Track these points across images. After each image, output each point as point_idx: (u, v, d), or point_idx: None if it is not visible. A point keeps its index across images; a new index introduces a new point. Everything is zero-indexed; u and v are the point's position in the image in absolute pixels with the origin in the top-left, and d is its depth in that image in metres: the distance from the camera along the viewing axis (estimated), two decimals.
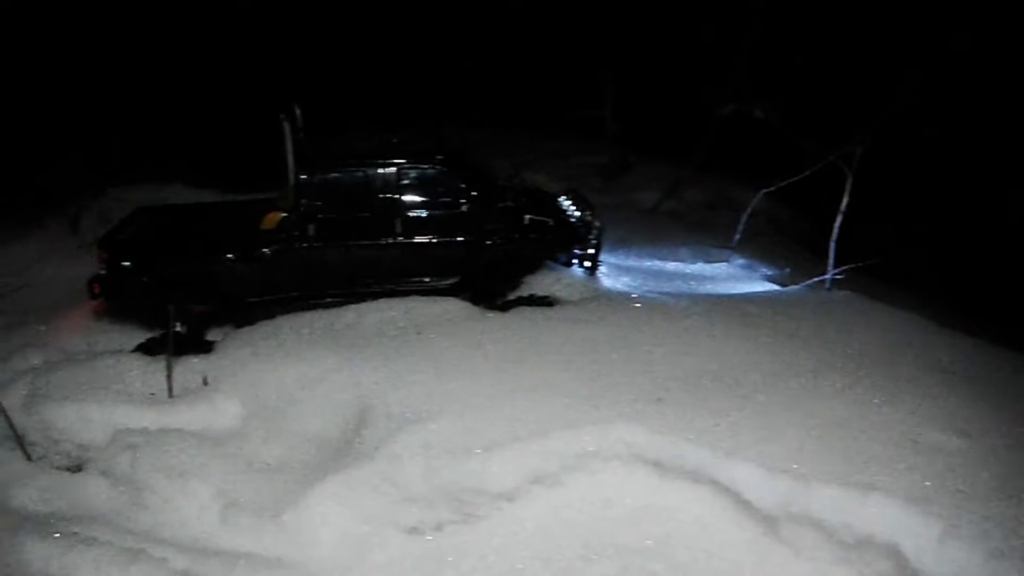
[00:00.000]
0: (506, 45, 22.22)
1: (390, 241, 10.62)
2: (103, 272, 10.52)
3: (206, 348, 9.81)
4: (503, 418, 7.70)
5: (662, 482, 7.25)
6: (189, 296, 10.53)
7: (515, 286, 11.04)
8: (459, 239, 10.75)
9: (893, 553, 6.35)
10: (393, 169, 10.67)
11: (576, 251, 11.43)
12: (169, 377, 8.84)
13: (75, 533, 7.10)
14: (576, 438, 7.35)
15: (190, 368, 9.17)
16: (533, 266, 11.18)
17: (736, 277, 12.57)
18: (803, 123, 12.59)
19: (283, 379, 8.87)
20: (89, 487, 8.12)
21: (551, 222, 11.24)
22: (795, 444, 7.20)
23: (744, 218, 13.97)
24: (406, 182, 10.70)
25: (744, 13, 16.24)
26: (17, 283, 11.61)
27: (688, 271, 12.69)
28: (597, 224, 11.93)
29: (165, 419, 8.57)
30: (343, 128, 13.71)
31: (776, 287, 12.07)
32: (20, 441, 8.42)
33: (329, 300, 10.64)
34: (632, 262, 12.70)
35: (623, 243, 13.60)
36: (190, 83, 19.44)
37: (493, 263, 10.89)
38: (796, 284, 11.98)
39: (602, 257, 11.98)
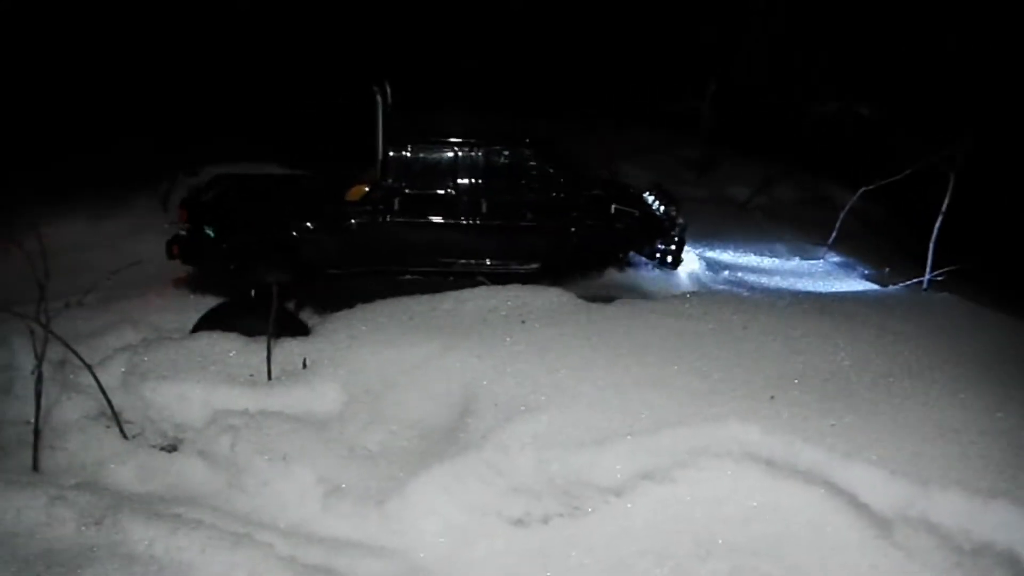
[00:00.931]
0: (601, 36, 22.13)
1: (474, 222, 10.64)
2: (183, 233, 10.50)
3: (299, 328, 9.85)
4: (614, 412, 7.56)
5: (774, 481, 7.08)
6: (269, 264, 10.50)
7: (600, 275, 10.96)
8: (544, 225, 10.67)
9: (1012, 561, 6.18)
10: (482, 150, 10.63)
11: (660, 244, 11.31)
12: (269, 359, 8.77)
13: (178, 515, 7.02)
14: (690, 434, 7.23)
15: (288, 350, 9.08)
16: (617, 257, 11.09)
17: (833, 275, 12.43)
18: (906, 122, 12.44)
19: (383, 364, 8.78)
20: (186, 468, 8.08)
21: (637, 213, 11.12)
22: (913, 447, 7.02)
23: (842, 215, 13.80)
24: (494, 164, 10.72)
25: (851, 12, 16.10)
26: (123, 262, 11.55)
27: (785, 267, 12.55)
28: (681, 220, 11.84)
29: (265, 401, 8.49)
30: (432, 107, 13.66)
31: (875, 286, 11.90)
32: (117, 419, 8.36)
33: (408, 277, 10.58)
34: (728, 256, 12.58)
35: (718, 237, 13.49)
36: (258, 63, 19.53)
37: (577, 251, 10.80)
38: (894, 284, 11.80)
39: (696, 250, 11.90)
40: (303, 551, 6.87)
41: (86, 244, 12.92)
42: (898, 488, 6.65)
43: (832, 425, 7.26)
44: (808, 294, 10.70)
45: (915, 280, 11.80)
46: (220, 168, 14.81)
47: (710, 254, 12.57)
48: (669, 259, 11.48)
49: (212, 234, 10.49)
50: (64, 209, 13.71)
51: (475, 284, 10.34)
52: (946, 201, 12.00)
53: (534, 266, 10.81)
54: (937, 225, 12.03)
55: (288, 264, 10.61)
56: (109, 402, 8.26)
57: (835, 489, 6.89)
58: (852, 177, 14.53)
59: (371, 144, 10.60)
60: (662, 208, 11.83)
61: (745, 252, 13.07)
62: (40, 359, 7.90)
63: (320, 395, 8.57)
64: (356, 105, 10.92)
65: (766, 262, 12.71)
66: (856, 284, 11.99)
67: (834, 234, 13.62)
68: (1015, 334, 9.84)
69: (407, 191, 10.62)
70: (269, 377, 8.80)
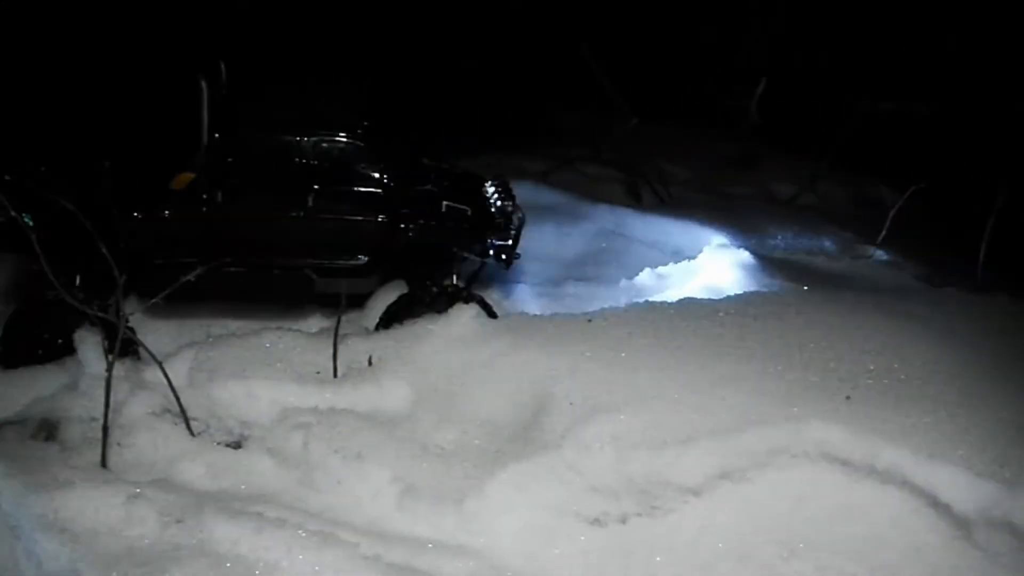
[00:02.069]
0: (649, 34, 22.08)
1: (299, 214, 10.35)
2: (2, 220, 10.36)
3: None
4: (693, 411, 7.56)
5: (853, 482, 7.09)
6: (89, 254, 10.39)
7: (433, 274, 10.81)
8: (370, 220, 10.45)
9: None
10: (310, 139, 10.44)
11: (493, 241, 11.14)
12: (335, 356, 8.78)
13: (260, 513, 7.04)
14: (770, 434, 7.23)
15: (353, 348, 9.10)
16: (450, 253, 10.90)
17: (883, 274, 12.41)
18: (962, 121, 12.40)
19: (450, 361, 8.82)
20: (255, 465, 8.10)
21: (468, 211, 10.99)
22: (994, 448, 7.03)
23: (892, 214, 13.76)
24: (322, 155, 10.47)
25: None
26: None
27: (835, 266, 12.52)
28: (519, 215, 11.67)
29: (333, 399, 8.51)
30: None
31: (927, 285, 11.88)
32: (185, 416, 8.40)
33: (232, 271, 10.36)
34: (777, 255, 12.56)
35: (766, 234, 13.46)
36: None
37: (405, 248, 10.62)
38: (948, 284, 11.77)
39: (745, 248, 11.83)
40: (386, 550, 6.87)
41: None
42: (982, 489, 6.66)
43: (913, 425, 7.25)
44: (864, 293, 10.65)
45: (969, 281, 11.78)
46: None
47: (758, 252, 12.49)
48: (503, 256, 11.28)
49: (30, 223, 10.24)
50: None
51: (301, 279, 10.46)
52: (999, 200, 11.98)
53: (360, 262, 10.56)
54: (989, 225, 12.00)
55: (111, 254, 10.37)
56: (178, 398, 8.30)
57: (916, 490, 6.89)
58: (901, 176, 14.49)
59: (197, 131, 10.46)
60: (499, 203, 11.63)
61: (793, 250, 13.03)
62: (113, 355, 7.93)
63: (388, 393, 8.59)
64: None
65: (815, 260, 12.68)
66: (908, 284, 11.97)
67: (883, 233, 13.57)
68: None
69: (232, 181, 10.34)
70: (335, 375, 8.79)
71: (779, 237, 13.57)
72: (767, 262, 12.05)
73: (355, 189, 10.58)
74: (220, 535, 6.78)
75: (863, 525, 6.95)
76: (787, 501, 7.11)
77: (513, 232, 11.35)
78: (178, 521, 6.96)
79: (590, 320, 9.15)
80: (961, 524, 6.73)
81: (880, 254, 13.29)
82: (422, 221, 10.74)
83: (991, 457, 6.91)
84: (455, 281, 10.86)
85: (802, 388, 7.84)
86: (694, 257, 13.01)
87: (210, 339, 9.47)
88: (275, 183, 10.56)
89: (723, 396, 7.72)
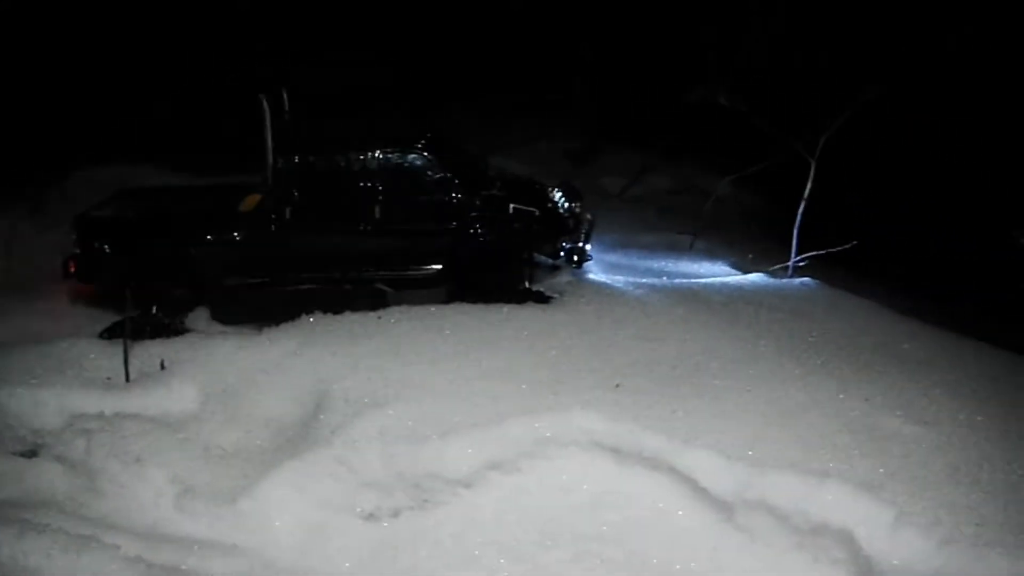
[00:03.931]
0: (482, 26, 22.09)
1: (368, 228, 10.53)
2: (77, 251, 10.45)
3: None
4: (461, 403, 7.68)
5: (620, 469, 7.24)
6: (165, 278, 10.48)
7: (504, 278, 10.92)
8: (439, 228, 10.62)
9: (847, 539, 6.39)
10: (374, 155, 10.52)
11: (563, 243, 11.27)
12: (126, 361, 8.76)
13: (26, 520, 7.01)
14: (534, 424, 7.35)
15: (148, 352, 9.08)
16: (520, 257, 11.03)
17: (698, 264, 12.57)
18: (772, 111, 12.56)
19: (241, 363, 8.82)
20: (43, 473, 8.08)
21: (537, 212, 11.10)
22: (752, 431, 7.23)
23: (708, 205, 13.97)
24: (387, 169, 10.55)
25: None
26: None
27: (652, 258, 12.65)
28: (588, 216, 11.83)
29: (121, 404, 8.46)
30: (335, 113, 13.55)
31: (738, 273, 12.06)
32: None
33: (307, 287, 10.57)
34: (596, 248, 12.63)
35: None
36: (162, 62, 19.16)
37: (475, 253, 10.75)
38: (759, 271, 11.97)
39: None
40: (153, 551, 6.89)
41: None
42: (735, 472, 6.84)
43: (674, 412, 7.42)
44: (667, 284, 10.82)
45: (779, 266, 11.98)
46: (98, 173, 14.69)
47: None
48: (575, 258, 11.40)
49: (108, 250, 10.38)
50: None
51: (374, 292, 10.58)
52: (808, 188, 12.18)
53: (433, 270, 10.69)
54: (800, 211, 12.20)
55: (186, 278, 10.53)
56: None
57: (677, 475, 7.04)
58: (726, 167, 14.71)
59: (262, 152, 10.55)
60: (567, 205, 11.75)
61: (612, 243, 13.13)
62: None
63: (178, 395, 8.56)
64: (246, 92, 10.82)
65: (633, 253, 12.80)
66: (720, 272, 12.14)
67: (701, 223, 13.75)
68: (871, 316, 10.10)
69: (300, 200, 10.55)
70: (127, 379, 8.77)
71: (603, 231, 13.63)
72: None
73: (422, 199, 10.75)
74: None
75: (626, 511, 7.10)
76: (553, 490, 7.24)
77: (583, 233, 11.54)
78: None
79: (379, 318, 9.22)
80: (722, 507, 6.90)
81: (697, 243, 13.45)
82: (488, 225, 10.91)
83: (745, 440, 7.10)
84: (526, 283, 10.99)
85: (573, 378, 8.00)
86: None
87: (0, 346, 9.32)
88: (342, 200, 10.71)
89: (493, 388, 7.86)
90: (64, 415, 8.38)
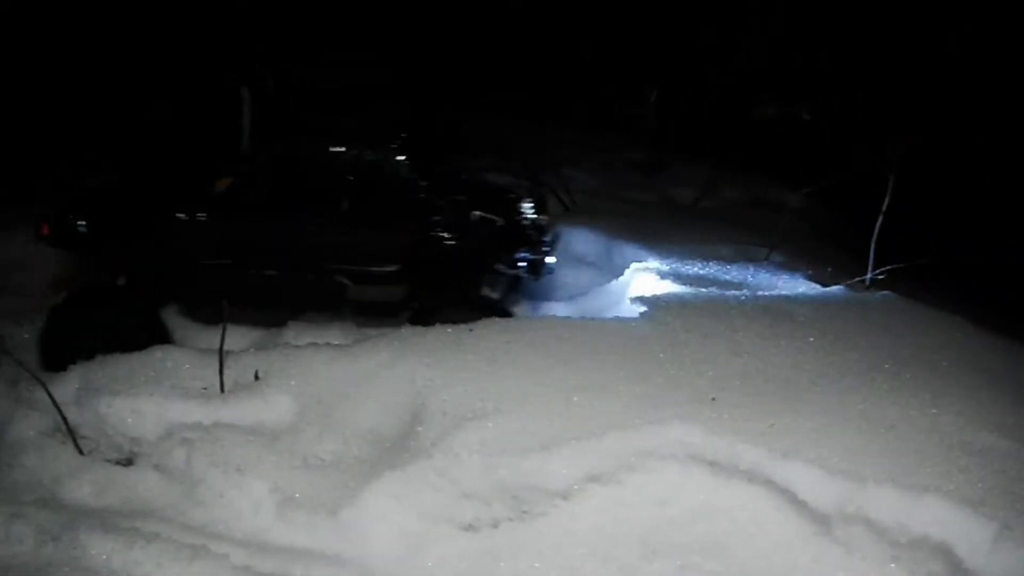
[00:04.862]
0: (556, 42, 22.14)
1: (333, 220, 10.66)
2: (52, 216, 10.66)
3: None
4: (559, 417, 7.76)
5: (717, 482, 7.25)
6: (134, 250, 10.59)
7: (459, 283, 11.04)
8: (400, 228, 10.65)
9: (946, 554, 6.39)
10: (345, 150, 10.69)
11: (523, 254, 11.32)
12: (221, 371, 8.88)
13: (135, 528, 7.14)
14: (633, 437, 7.42)
15: (241, 362, 9.20)
16: (482, 263, 11.06)
17: (777, 276, 12.56)
18: (847, 125, 12.59)
19: (335, 374, 8.89)
20: (142, 482, 8.17)
21: (500, 222, 11.18)
22: (848, 445, 7.24)
23: (785, 217, 13.96)
24: (357, 164, 10.70)
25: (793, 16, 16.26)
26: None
27: (730, 270, 12.65)
28: (554, 231, 11.86)
29: (218, 414, 8.58)
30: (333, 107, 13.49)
31: (818, 287, 12.06)
32: (72, 435, 8.45)
33: (268, 273, 10.79)
34: (673, 261, 12.66)
35: (664, 240, 13.56)
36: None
37: (434, 256, 10.77)
38: (837, 284, 11.97)
39: (642, 256, 11.95)
40: (259, 561, 7.01)
41: None
42: (835, 485, 6.87)
43: (771, 425, 7.46)
44: (751, 296, 10.82)
45: (857, 279, 11.97)
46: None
47: (654, 259, 12.60)
48: (532, 270, 11.44)
49: (84, 227, 10.46)
50: None
51: (335, 284, 10.76)
52: (886, 201, 12.17)
53: (392, 269, 10.73)
54: (878, 224, 12.19)
55: (159, 255, 10.62)
56: (63, 418, 8.35)
57: (775, 487, 7.08)
58: (797, 179, 14.69)
59: (238, 138, 10.64)
60: (532, 217, 11.81)
61: (690, 256, 13.12)
62: None
63: (272, 406, 8.65)
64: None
65: (711, 265, 12.81)
66: (799, 285, 12.14)
67: (777, 236, 13.75)
68: (952, 330, 10.07)
69: (270, 186, 10.75)
70: (222, 390, 8.88)
71: (676, 243, 13.65)
72: (660, 269, 12.15)
73: (388, 199, 10.82)
74: (94, 551, 6.87)
75: (725, 524, 7.12)
76: (652, 502, 7.27)
77: (545, 247, 11.56)
78: (54, 539, 7.03)
79: (471, 330, 9.30)
80: (819, 520, 6.92)
81: (774, 256, 13.44)
82: (448, 229, 10.95)
83: (842, 453, 7.12)
84: (488, 291, 11.27)
85: (669, 392, 8.05)
86: (594, 264, 13.27)
87: (98, 357, 9.42)
88: (311, 191, 10.83)
89: (591, 401, 7.92)
90: (162, 424, 8.50)
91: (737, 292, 11.14)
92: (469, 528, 7.46)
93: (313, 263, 10.83)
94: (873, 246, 12.19)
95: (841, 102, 13.79)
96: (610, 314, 10.26)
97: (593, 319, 9.78)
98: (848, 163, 13.05)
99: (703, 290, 11.11)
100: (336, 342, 9.92)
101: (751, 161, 17.71)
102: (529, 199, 11.89)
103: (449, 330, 9.36)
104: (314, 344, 9.56)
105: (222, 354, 8.94)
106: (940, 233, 14.31)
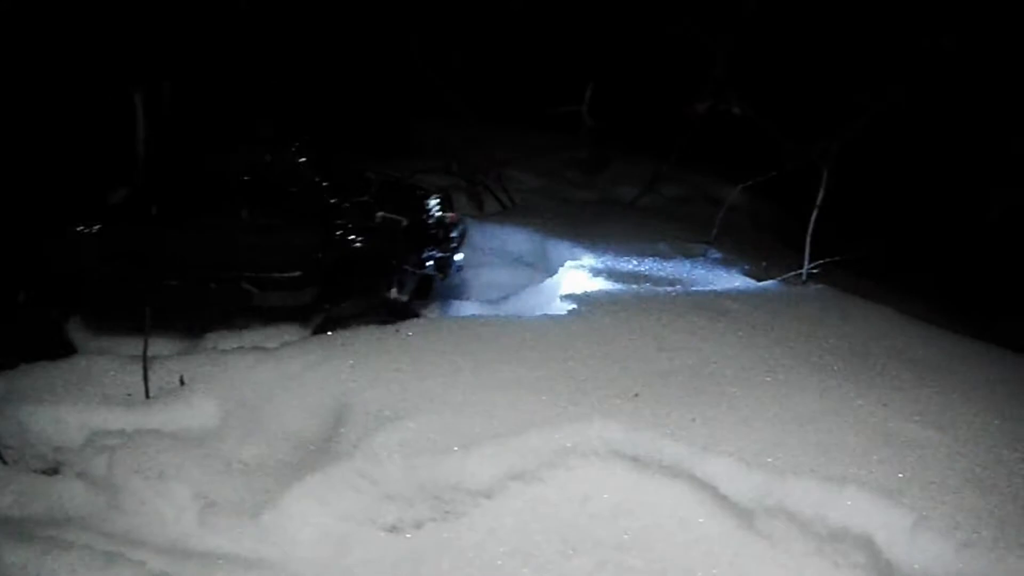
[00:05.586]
0: (489, 40, 22.07)
1: (234, 227, 10.49)
2: None
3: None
4: (480, 415, 7.73)
5: (640, 477, 7.25)
6: (30, 266, 10.44)
7: (365, 285, 10.98)
8: (303, 232, 10.57)
9: (867, 544, 6.36)
10: (245, 151, 10.65)
11: (431, 253, 11.33)
12: (145, 377, 8.82)
13: (51, 537, 7.06)
14: (555, 435, 7.37)
15: (167, 367, 9.14)
16: (388, 264, 10.97)
17: (713, 272, 12.58)
18: (784, 119, 12.60)
19: (260, 377, 8.85)
20: (66, 490, 8.06)
21: (404, 222, 11.06)
22: (770, 438, 7.24)
23: (721, 213, 13.98)
24: (256, 168, 10.61)
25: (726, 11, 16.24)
26: None
27: (667, 266, 12.64)
28: (461, 227, 11.84)
29: (141, 420, 8.52)
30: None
31: (753, 281, 12.08)
32: None
33: (173, 283, 10.55)
34: (609, 257, 12.65)
35: (604, 238, 13.54)
36: None
37: (339, 259, 10.67)
38: (773, 278, 12.00)
39: (577, 254, 11.93)
40: (178, 567, 6.94)
41: None
42: (755, 478, 6.83)
43: (693, 420, 7.45)
44: (683, 292, 10.84)
45: (793, 273, 12.00)
46: None
47: (589, 257, 12.59)
48: (440, 268, 11.44)
49: None
50: None
51: (240, 291, 10.56)
52: (820, 195, 12.22)
53: (296, 274, 10.54)
54: (812, 218, 12.23)
55: (49, 267, 10.46)
56: None
57: (697, 482, 7.06)
58: (738, 175, 14.70)
59: (132, 146, 10.51)
60: (439, 214, 11.84)
61: (626, 253, 13.10)
62: None
63: (197, 411, 8.60)
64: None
65: (647, 262, 12.81)
66: (734, 280, 12.16)
67: (715, 231, 13.77)
68: (886, 322, 10.14)
69: (168, 194, 10.56)
70: (147, 396, 8.82)
71: (615, 240, 13.62)
72: (596, 267, 12.14)
73: (290, 202, 10.68)
74: (9, 560, 6.78)
75: (646, 519, 7.12)
76: (573, 499, 7.27)
77: (452, 244, 11.57)
78: None
79: (397, 331, 9.27)
80: (741, 514, 6.90)
81: (712, 252, 13.46)
82: (353, 231, 10.80)
83: (763, 446, 7.12)
84: (396, 293, 10.95)
85: (591, 388, 8.03)
86: (530, 263, 13.26)
87: (21, 366, 9.35)
88: (210, 197, 10.62)
89: (512, 399, 7.90)
90: (85, 432, 8.43)
91: (670, 288, 11.15)
92: (392, 530, 7.43)
93: (215, 271, 10.63)
94: (808, 240, 12.21)
95: (774, 96, 13.77)
96: (540, 313, 10.16)
97: (520, 317, 9.77)
98: (784, 158, 13.03)
99: (635, 287, 11.11)
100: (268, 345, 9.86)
101: (693, 156, 17.69)
102: (436, 196, 11.84)
103: (376, 332, 9.34)
104: (240, 348, 9.53)
105: (146, 360, 8.88)
106: (879, 225, 14.39)
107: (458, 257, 11.54)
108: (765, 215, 17.48)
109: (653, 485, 7.23)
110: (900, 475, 6.80)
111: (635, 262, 12.53)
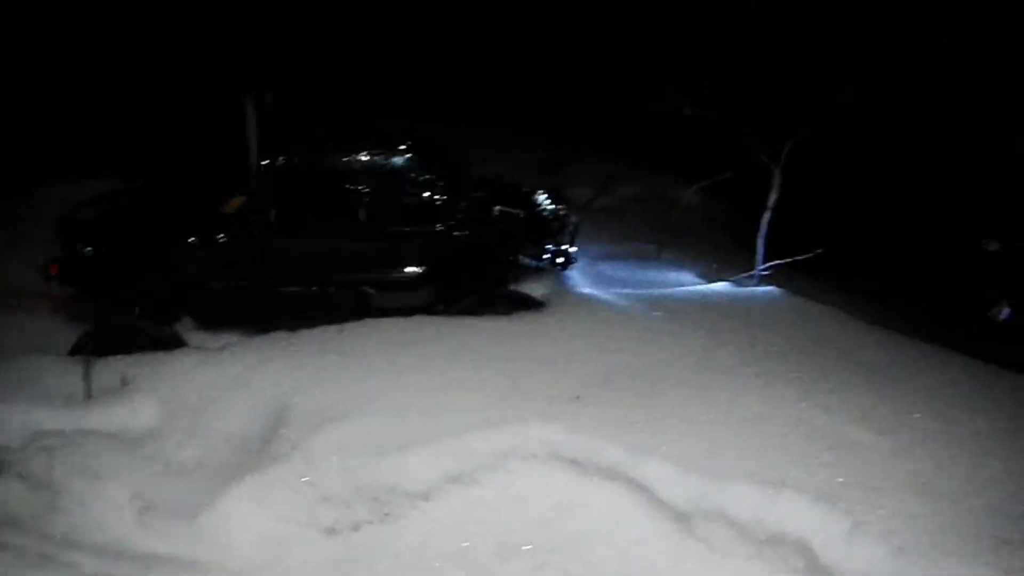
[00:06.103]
0: (461, 39, 22.12)
1: (353, 230, 10.50)
2: (59, 253, 10.35)
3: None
4: (420, 417, 7.71)
5: (579, 480, 7.25)
6: (146, 280, 10.42)
7: (489, 280, 10.93)
8: (423, 231, 10.56)
9: (804, 549, 6.39)
10: (359, 156, 10.49)
11: (548, 246, 11.28)
12: (86, 377, 8.76)
13: None
14: (493, 437, 7.39)
15: (109, 368, 9.08)
16: (506, 259, 11.02)
17: (665, 273, 12.58)
18: (741, 119, 12.60)
19: (202, 378, 8.81)
20: (7, 491, 7.99)
21: (521, 215, 11.13)
22: (709, 441, 7.24)
23: (675, 214, 14.00)
24: (372, 170, 10.50)
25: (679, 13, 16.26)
26: None
27: (619, 267, 12.65)
28: (573, 219, 11.83)
29: (82, 421, 8.48)
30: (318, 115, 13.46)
31: (704, 282, 12.10)
32: None
33: (291, 289, 10.61)
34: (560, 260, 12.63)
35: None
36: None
37: (460, 255, 10.71)
38: (724, 279, 12.01)
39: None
40: (113, 568, 6.93)
41: None
42: (692, 482, 6.85)
43: (633, 423, 7.44)
44: (631, 293, 10.83)
45: (745, 275, 12.01)
46: (61, 188, 14.62)
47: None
48: (559, 260, 11.40)
49: (89, 251, 10.28)
50: None
51: (359, 294, 10.56)
52: (772, 196, 12.24)
53: (417, 272, 10.64)
54: (764, 219, 12.26)
55: (167, 280, 10.45)
56: None
57: (635, 485, 7.06)
58: (694, 175, 14.71)
59: (245, 153, 10.49)
60: (551, 208, 11.87)
61: (579, 255, 13.12)
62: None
63: (138, 412, 8.57)
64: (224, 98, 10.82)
65: (599, 263, 12.79)
66: (686, 281, 12.15)
67: (668, 233, 13.78)
68: (835, 324, 10.13)
69: (283, 201, 10.49)
70: (88, 396, 8.76)
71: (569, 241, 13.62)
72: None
73: (407, 202, 10.69)
74: None
75: (584, 522, 7.12)
76: (511, 502, 7.27)
77: (568, 236, 11.58)
78: None
79: (341, 331, 9.24)
80: (679, 517, 6.91)
81: (665, 253, 13.47)
82: (473, 227, 10.90)
83: (702, 450, 7.11)
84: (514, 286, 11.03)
85: (532, 390, 8.03)
86: None
87: None
88: (327, 202, 10.64)
89: (452, 401, 7.90)
90: (26, 432, 8.37)
91: (621, 289, 11.14)
92: (330, 531, 7.41)
93: (335, 275, 10.72)
94: (761, 241, 12.25)
95: (728, 96, 13.75)
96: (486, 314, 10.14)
97: (463, 318, 9.70)
98: (739, 159, 13.03)
99: (585, 288, 11.10)
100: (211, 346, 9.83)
101: (651, 157, 17.71)
102: (543, 191, 11.98)
103: (317, 332, 9.30)
104: (183, 349, 9.46)
105: (88, 360, 8.82)
106: (832, 227, 14.38)
107: (573, 249, 11.58)
108: (720, 216, 17.46)
109: (592, 488, 7.23)
110: (839, 479, 6.80)
111: (586, 263, 12.51)
